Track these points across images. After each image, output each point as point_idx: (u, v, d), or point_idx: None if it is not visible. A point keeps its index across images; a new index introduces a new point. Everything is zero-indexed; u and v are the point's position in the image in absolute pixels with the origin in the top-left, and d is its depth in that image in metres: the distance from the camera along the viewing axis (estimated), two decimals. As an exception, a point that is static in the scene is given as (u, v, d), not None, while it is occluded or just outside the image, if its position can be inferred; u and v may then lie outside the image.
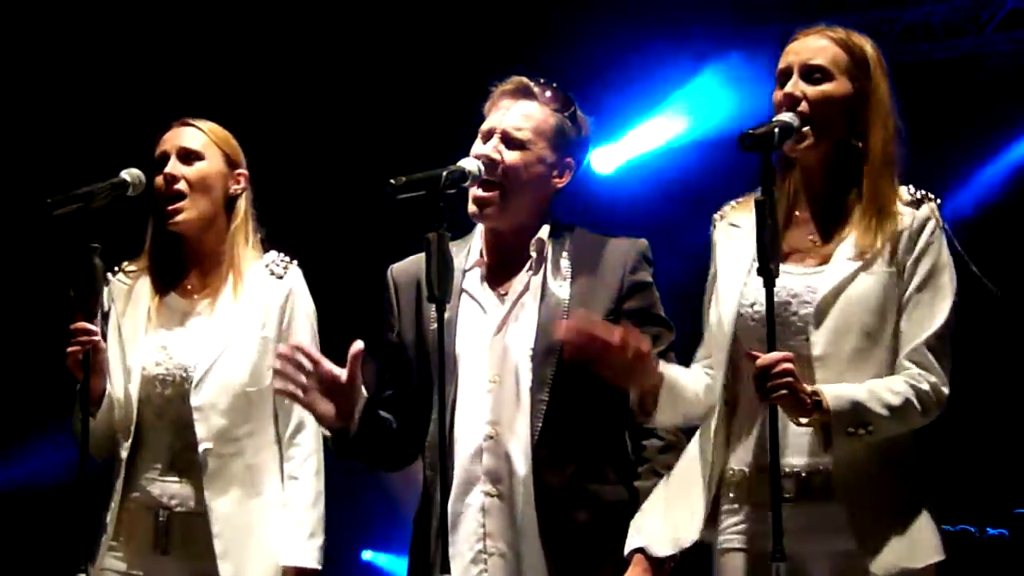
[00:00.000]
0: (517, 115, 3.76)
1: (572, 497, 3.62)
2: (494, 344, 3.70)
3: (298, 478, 3.91)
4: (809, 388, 3.20)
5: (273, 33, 7.91)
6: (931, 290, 3.34)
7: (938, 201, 3.42)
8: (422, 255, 3.31)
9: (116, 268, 4.06)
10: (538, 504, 3.60)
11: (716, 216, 3.58)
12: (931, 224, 3.37)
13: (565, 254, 3.76)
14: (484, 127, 3.78)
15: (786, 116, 3.32)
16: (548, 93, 3.79)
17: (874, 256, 3.34)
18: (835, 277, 3.34)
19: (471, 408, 3.66)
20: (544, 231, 3.78)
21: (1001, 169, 8.19)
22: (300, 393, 3.48)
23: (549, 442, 3.61)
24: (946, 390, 3.31)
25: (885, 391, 3.25)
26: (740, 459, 3.39)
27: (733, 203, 3.56)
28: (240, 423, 3.89)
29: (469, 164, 3.61)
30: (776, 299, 3.25)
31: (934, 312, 3.33)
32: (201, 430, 3.84)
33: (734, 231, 3.50)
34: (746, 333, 3.37)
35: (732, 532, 3.39)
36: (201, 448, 3.84)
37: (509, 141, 3.73)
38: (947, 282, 3.36)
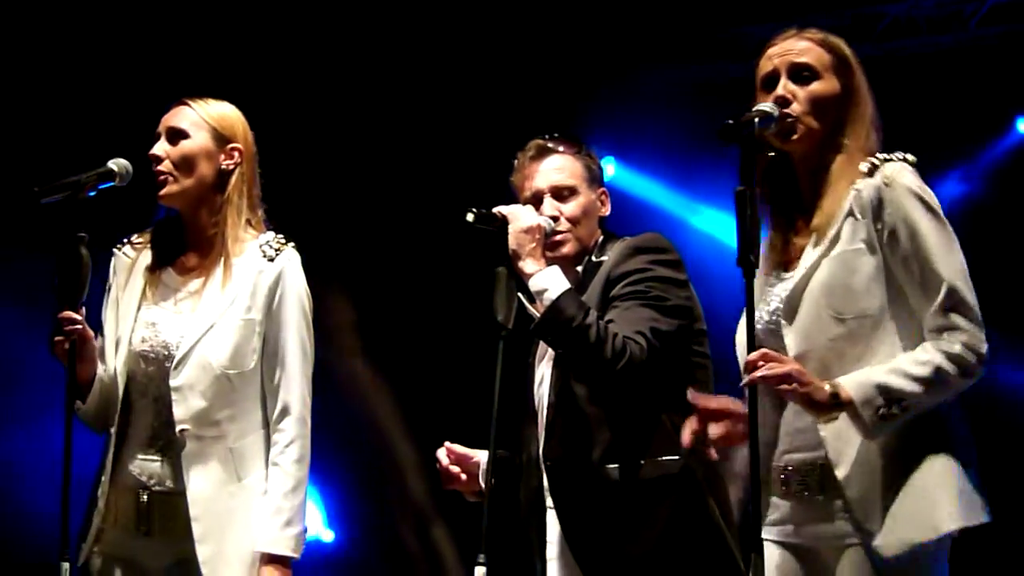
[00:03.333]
0: (553, 171, 4.13)
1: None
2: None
3: (278, 464, 3.88)
4: (825, 384, 3.21)
5: (271, 19, 7.93)
6: (918, 254, 3.29)
7: (907, 157, 3.37)
8: None
9: (125, 240, 4.06)
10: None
11: None
12: (884, 189, 3.30)
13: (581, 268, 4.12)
14: (526, 196, 4.13)
15: (765, 105, 3.33)
16: (562, 145, 4.16)
17: (834, 239, 3.34)
18: (799, 273, 3.36)
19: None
20: (582, 264, 4.10)
21: (984, 163, 8.22)
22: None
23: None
24: (983, 343, 3.24)
25: (910, 364, 3.22)
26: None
27: None
28: (221, 406, 3.87)
29: (543, 220, 4.01)
30: (769, 307, 3.35)
31: (934, 274, 3.27)
32: (179, 410, 3.83)
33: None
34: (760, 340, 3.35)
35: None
36: (178, 429, 3.82)
37: (559, 194, 4.09)
38: (930, 236, 3.28)
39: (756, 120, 3.26)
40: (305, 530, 3.91)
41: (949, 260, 3.28)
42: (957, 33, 8.15)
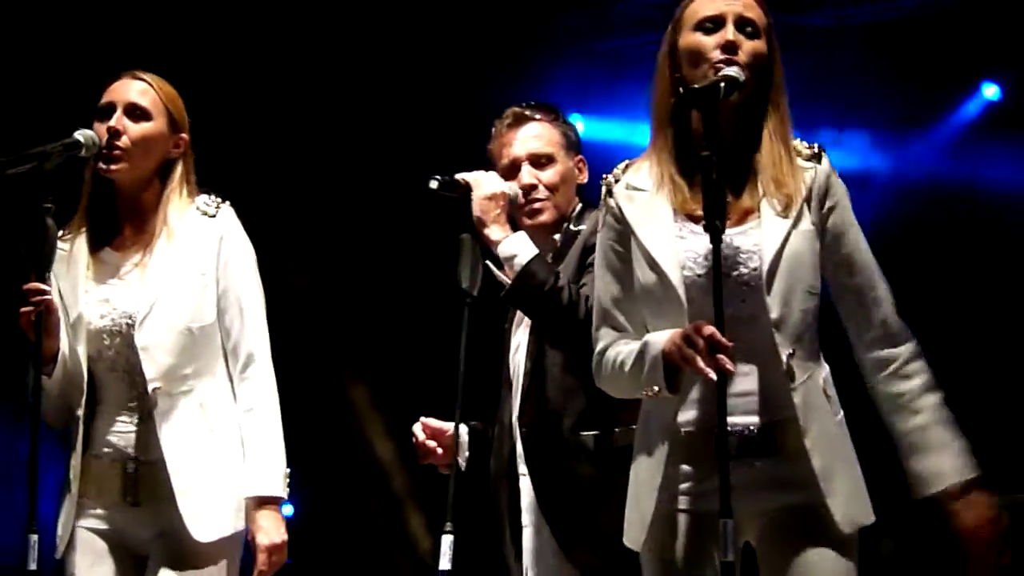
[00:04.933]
0: (531, 139, 4.16)
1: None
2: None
3: (254, 409, 3.92)
4: None
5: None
6: (858, 247, 3.43)
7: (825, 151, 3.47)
8: None
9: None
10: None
11: (608, 179, 3.52)
12: (833, 178, 3.42)
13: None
14: (504, 163, 4.15)
15: (733, 70, 3.30)
16: (539, 113, 4.19)
17: (799, 214, 3.35)
18: (775, 236, 3.33)
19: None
20: (559, 234, 4.14)
21: (950, 130, 8.24)
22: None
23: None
24: (917, 343, 3.43)
25: (950, 425, 3.40)
26: (688, 419, 3.36)
27: (622, 165, 3.53)
28: (187, 362, 3.89)
29: (508, 187, 4.05)
30: (705, 262, 3.30)
31: (874, 275, 3.43)
32: (149, 370, 3.85)
33: (637, 194, 3.44)
34: (695, 291, 3.32)
35: (681, 494, 3.37)
36: (151, 388, 3.84)
37: (537, 162, 4.12)
38: (859, 231, 3.45)
39: (722, 86, 3.24)
40: (289, 472, 3.95)
41: (872, 257, 3.44)
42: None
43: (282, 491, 3.92)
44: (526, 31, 8.27)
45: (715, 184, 3.13)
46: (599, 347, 3.48)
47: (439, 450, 4.15)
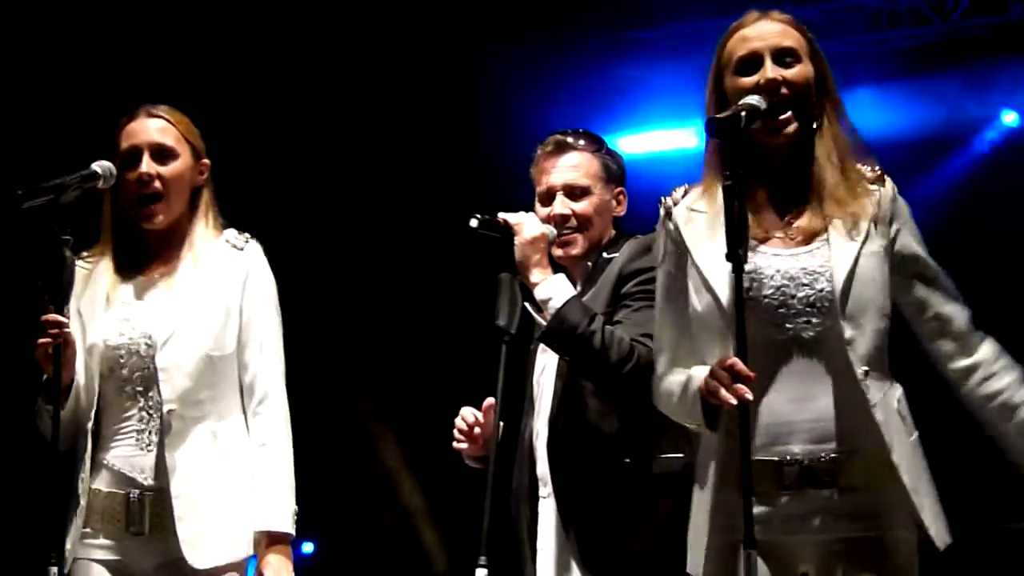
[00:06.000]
0: (568, 169, 4.13)
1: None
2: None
3: (266, 444, 3.89)
4: None
5: (238, 21, 7.92)
6: (928, 264, 3.42)
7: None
8: None
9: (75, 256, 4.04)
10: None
11: (667, 201, 3.51)
12: (899, 201, 3.41)
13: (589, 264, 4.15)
14: (541, 191, 4.16)
15: (753, 99, 3.27)
16: (582, 140, 4.18)
17: (867, 235, 3.33)
18: (845, 257, 3.30)
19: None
20: (592, 259, 4.14)
21: (967, 157, 8.23)
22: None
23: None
24: None
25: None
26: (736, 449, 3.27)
27: (682, 188, 3.51)
28: (203, 387, 3.87)
29: (547, 228, 4.03)
30: (771, 281, 3.28)
31: (948, 283, 3.43)
32: (166, 390, 3.83)
33: (696, 216, 3.42)
34: (750, 316, 3.26)
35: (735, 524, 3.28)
36: (165, 409, 3.82)
37: (572, 193, 4.10)
38: (926, 249, 3.44)
39: (743, 114, 3.22)
40: (297, 510, 3.91)
41: (948, 282, 3.44)
42: (939, 26, 8.16)
43: (290, 528, 3.88)
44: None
45: (738, 213, 3.11)
46: (657, 373, 3.50)
47: (479, 440, 4.12)
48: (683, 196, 3.48)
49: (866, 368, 3.27)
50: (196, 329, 3.88)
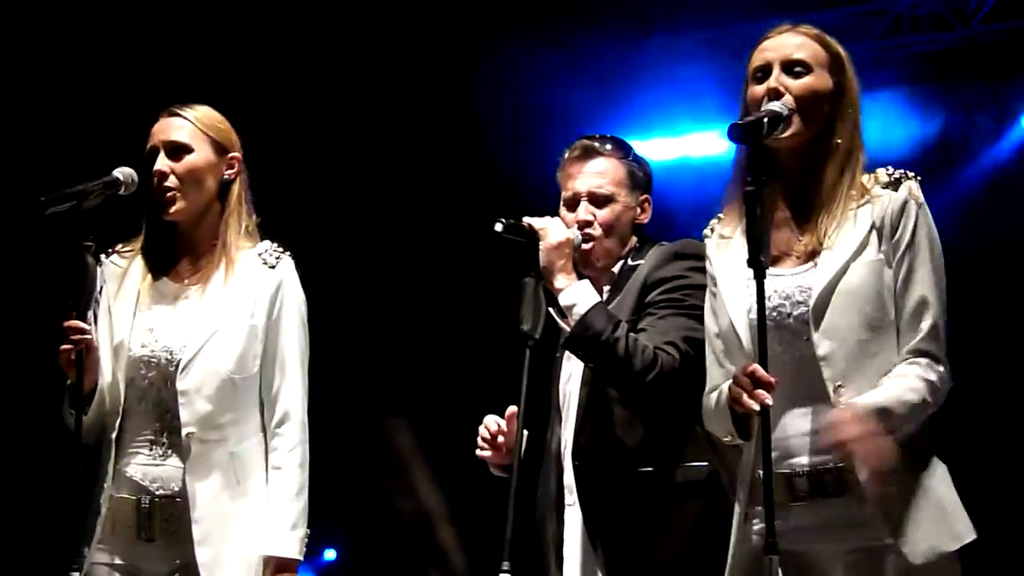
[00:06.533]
0: (593, 175, 4.10)
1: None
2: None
3: (281, 468, 3.88)
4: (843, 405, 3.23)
5: (269, 23, 7.93)
6: (920, 273, 3.34)
7: (918, 178, 3.42)
8: None
9: (110, 249, 4.04)
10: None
11: (706, 231, 3.61)
12: (910, 205, 3.37)
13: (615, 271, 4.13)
14: (566, 195, 4.13)
15: (775, 105, 3.32)
16: (609, 145, 4.15)
17: (861, 246, 3.34)
18: (827, 273, 3.33)
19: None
20: (617, 266, 4.12)
21: (987, 162, 8.21)
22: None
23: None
24: (949, 376, 3.33)
25: (906, 392, 3.26)
26: (756, 461, 3.36)
27: (719, 216, 3.58)
28: (224, 410, 3.86)
29: (572, 233, 3.99)
30: (768, 303, 3.29)
31: (928, 297, 3.33)
32: (185, 414, 3.82)
33: (724, 242, 3.51)
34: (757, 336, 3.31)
35: (759, 533, 3.34)
36: (184, 432, 3.81)
37: (596, 200, 4.07)
38: (932, 260, 3.36)
39: (765, 120, 3.26)
40: (308, 533, 3.90)
41: (942, 294, 3.36)
42: (960, 30, 8.15)
43: (297, 553, 3.85)
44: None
45: (759, 219, 3.13)
46: (706, 388, 3.55)
47: (504, 449, 4.10)
48: (719, 223, 3.57)
49: (839, 383, 3.28)
50: (219, 350, 3.87)
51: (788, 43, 3.44)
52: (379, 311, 8.49)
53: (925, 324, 3.32)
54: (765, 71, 3.42)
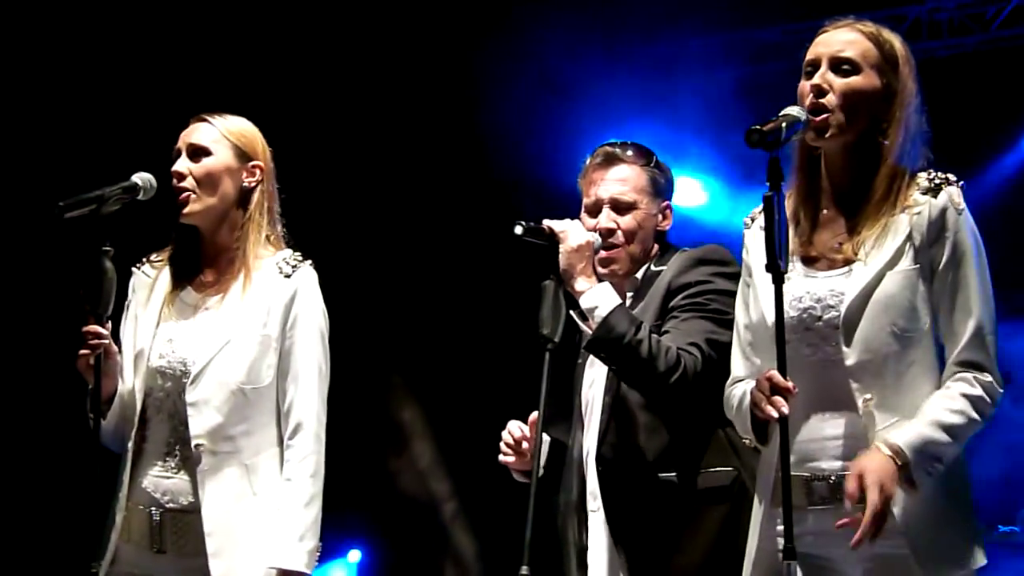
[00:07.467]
0: (616, 182, 4.11)
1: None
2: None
3: (292, 479, 3.85)
4: (884, 447, 3.17)
5: (292, 30, 7.94)
6: (962, 281, 3.30)
7: (960, 184, 3.37)
8: None
9: (143, 259, 4.06)
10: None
11: (747, 220, 3.59)
12: (950, 213, 3.32)
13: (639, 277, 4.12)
14: (588, 202, 4.14)
15: (793, 110, 3.30)
16: (630, 152, 4.14)
17: (897, 254, 3.30)
18: (860, 281, 3.30)
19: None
20: (640, 272, 4.12)
21: (1006, 169, 8.19)
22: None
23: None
24: (999, 385, 3.28)
25: (947, 414, 3.22)
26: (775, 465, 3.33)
27: (760, 207, 3.51)
28: (236, 421, 3.85)
29: (592, 236, 3.98)
30: (800, 304, 3.29)
31: (970, 305, 3.29)
32: (195, 426, 3.82)
33: (762, 233, 3.39)
34: (788, 332, 3.27)
35: (779, 536, 3.32)
36: (194, 444, 3.81)
37: (618, 207, 4.09)
38: (975, 267, 3.31)
39: (783, 125, 3.24)
40: (319, 546, 3.88)
41: (987, 300, 3.31)
42: (979, 35, 8.13)
43: (305, 566, 3.82)
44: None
45: (778, 224, 3.12)
46: (729, 380, 3.54)
47: (527, 454, 4.09)
48: (760, 213, 3.51)
49: (870, 395, 3.26)
50: (231, 362, 3.86)
51: (839, 40, 3.41)
52: (403, 317, 8.49)
53: (969, 332, 3.28)
54: (815, 66, 3.40)
